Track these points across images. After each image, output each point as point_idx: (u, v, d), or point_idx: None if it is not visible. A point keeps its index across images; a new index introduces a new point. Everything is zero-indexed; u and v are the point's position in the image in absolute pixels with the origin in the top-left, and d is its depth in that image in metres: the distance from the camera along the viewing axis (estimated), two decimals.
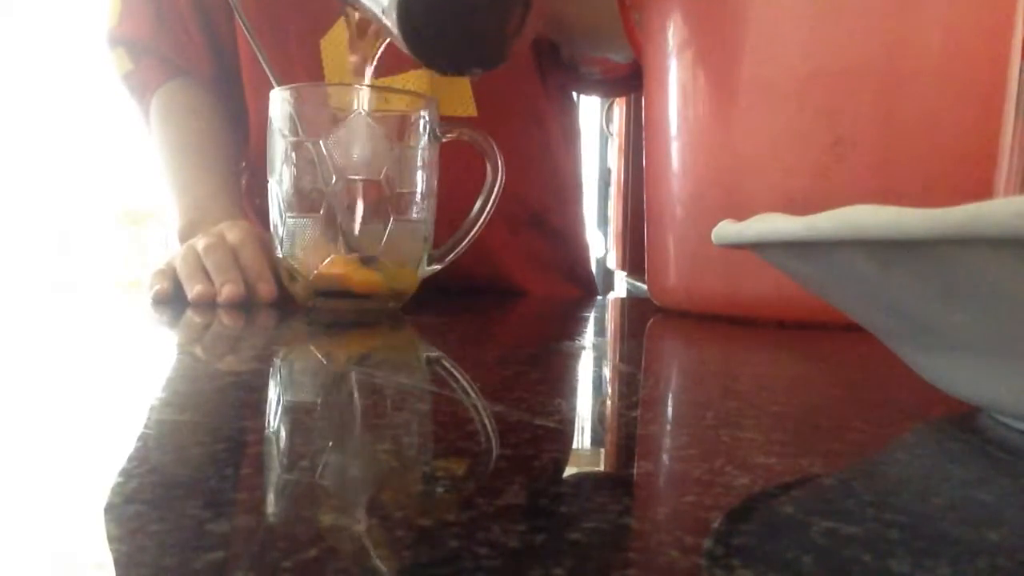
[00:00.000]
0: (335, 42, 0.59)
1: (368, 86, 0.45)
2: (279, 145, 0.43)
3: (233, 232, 0.51)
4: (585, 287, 0.74)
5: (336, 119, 0.42)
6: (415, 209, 0.44)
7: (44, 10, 2.72)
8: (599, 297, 0.70)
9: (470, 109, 0.62)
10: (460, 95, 0.62)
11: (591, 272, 0.76)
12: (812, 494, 0.13)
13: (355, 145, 0.42)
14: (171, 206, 0.62)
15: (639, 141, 0.57)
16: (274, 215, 0.44)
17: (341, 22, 0.60)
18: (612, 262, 2.07)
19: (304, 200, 0.43)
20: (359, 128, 0.42)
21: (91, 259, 2.88)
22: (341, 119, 0.42)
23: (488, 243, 0.61)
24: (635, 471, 0.14)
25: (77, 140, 2.76)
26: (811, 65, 0.39)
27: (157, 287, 0.48)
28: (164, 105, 0.65)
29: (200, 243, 0.50)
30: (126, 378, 0.23)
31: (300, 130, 0.42)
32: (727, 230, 0.18)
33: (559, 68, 0.71)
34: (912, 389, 0.22)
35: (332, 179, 0.42)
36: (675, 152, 0.46)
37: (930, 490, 0.13)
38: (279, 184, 0.43)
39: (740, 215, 0.19)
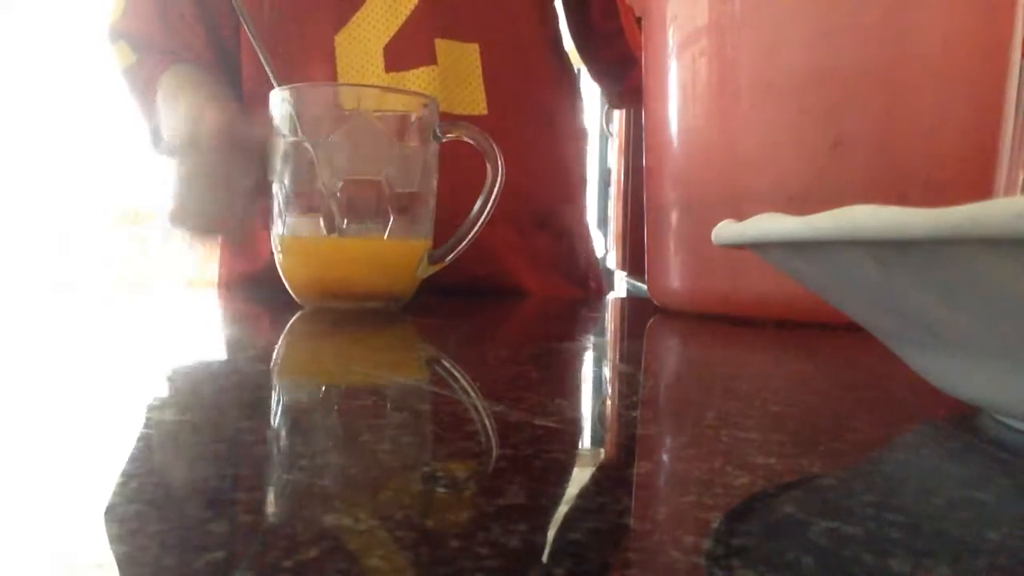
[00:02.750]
0: (350, 38, 0.59)
1: (368, 86, 0.45)
2: (279, 146, 0.43)
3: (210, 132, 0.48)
4: (591, 288, 0.73)
5: (336, 119, 0.42)
6: (415, 209, 0.44)
7: (45, 8, 2.72)
8: (602, 297, 0.70)
9: (481, 108, 0.62)
10: (471, 93, 0.62)
11: (598, 273, 0.76)
12: (812, 494, 0.13)
13: (354, 145, 0.42)
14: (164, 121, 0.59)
15: (639, 141, 0.57)
16: (275, 215, 0.44)
17: (357, 18, 0.59)
18: (612, 262, 2.07)
19: (304, 201, 0.43)
20: (359, 128, 0.42)
21: (91, 259, 2.88)
22: (341, 119, 0.42)
23: (494, 244, 0.61)
24: (635, 471, 0.14)
25: (77, 140, 2.76)
26: (811, 65, 0.39)
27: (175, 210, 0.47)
28: (173, 77, 0.63)
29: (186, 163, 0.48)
30: (126, 378, 0.23)
31: (299, 131, 0.42)
32: (727, 230, 0.18)
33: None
34: (912, 389, 0.22)
35: (332, 179, 0.42)
36: (675, 152, 0.46)
37: (930, 490, 0.13)
38: (279, 185, 0.43)
39: (740, 215, 0.19)
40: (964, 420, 0.18)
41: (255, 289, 0.63)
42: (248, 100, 0.63)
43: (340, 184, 0.42)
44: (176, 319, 0.41)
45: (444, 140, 0.46)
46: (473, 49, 0.62)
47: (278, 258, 0.45)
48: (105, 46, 0.65)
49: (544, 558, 0.10)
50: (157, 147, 0.69)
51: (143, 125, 0.68)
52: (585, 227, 0.75)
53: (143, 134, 0.70)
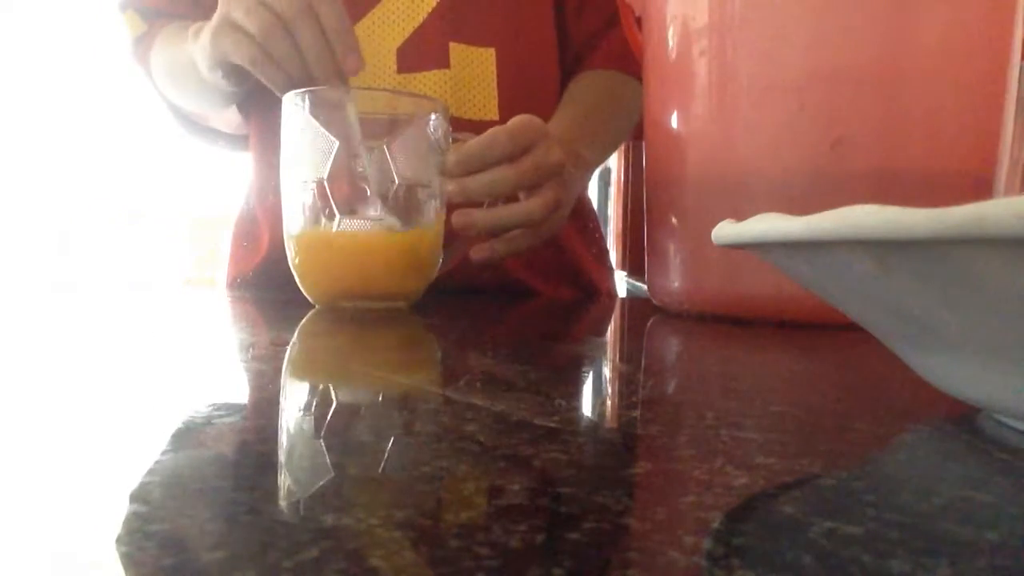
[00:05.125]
0: (364, 34, 0.58)
1: (381, 89, 0.45)
2: (290, 149, 0.43)
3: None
4: (599, 290, 0.72)
5: (351, 123, 0.42)
6: (426, 210, 0.44)
7: (45, 8, 2.72)
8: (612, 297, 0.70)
9: (492, 113, 0.61)
10: (484, 98, 0.61)
11: (606, 273, 0.75)
12: (812, 494, 0.13)
13: (367, 148, 0.42)
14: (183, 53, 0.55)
15: (639, 141, 0.57)
16: (287, 222, 0.44)
17: (373, 15, 0.59)
18: (612, 262, 2.07)
19: (316, 205, 0.42)
20: (373, 131, 0.42)
21: (91, 259, 2.88)
22: (355, 123, 0.42)
23: None
24: (635, 471, 0.14)
25: (77, 139, 2.76)
26: (811, 65, 0.39)
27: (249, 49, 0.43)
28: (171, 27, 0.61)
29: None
30: (125, 377, 0.23)
31: (314, 134, 0.42)
32: (727, 230, 0.18)
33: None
34: (912, 389, 0.22)
35: (384, 183, 0.42)
36: (675, 152, 0.46)
37: (930, 490, 0.13)
38: (291, 191, 0.43)
39: (740, 215, 0.19)
40: (964, 420, 0.18)
41: (259, 288, 0.63)
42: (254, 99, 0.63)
43: (393, 187, 0.42)
44: (176, 318, 0.41)
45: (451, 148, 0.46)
46: (489, 54, 0.61)
47: (292, 258, 0.45)
48: (115, 17, 0.64)
49: (544, 558, 0.10)
50: (180, 119, 0.68)
51: (158, 103, 0.67)
52: (591, 226, 0.74)
53: (164, 114, 0.68)
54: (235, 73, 0.49)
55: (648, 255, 0.51)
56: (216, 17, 0.46)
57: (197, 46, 0.50)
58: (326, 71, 0.44)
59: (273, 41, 0.44)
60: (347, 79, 0.45)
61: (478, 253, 0.49)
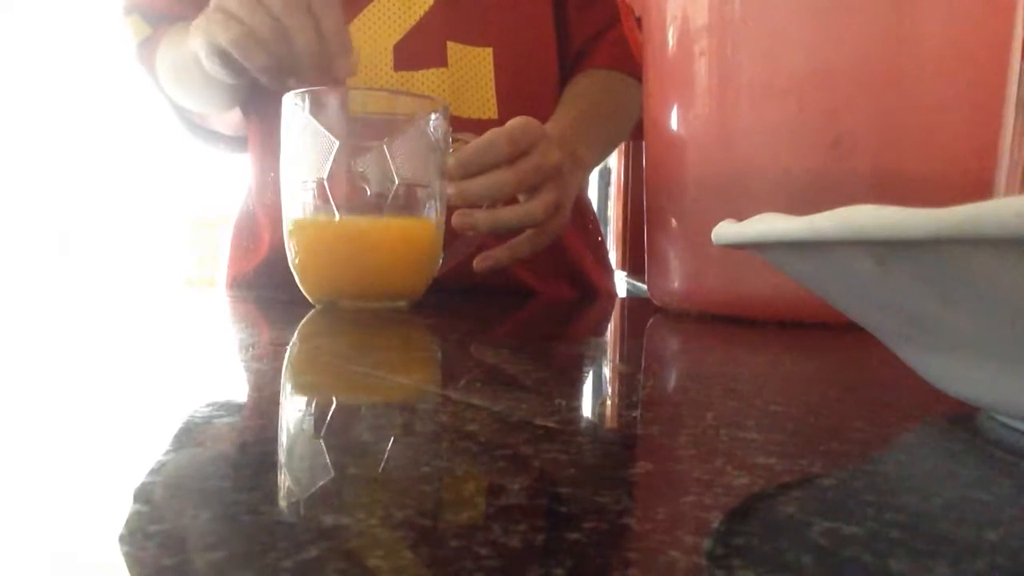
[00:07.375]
0: (361, 31, 0.58)
1: (381, 89, 0.45)
2: (290, 149, 0.43)
3: None
4: (598, 289, 0.72)
5: (351, 122, 0.42)
6: (426, 210, 0.44)
7: (45, 8, 2.72)
8: (612, 297, 0.70)
9: (491, 112, 0.61)
10: (482, 97, 0.61)
11: (605, 272, 0.75)
12: (812, 494, 0.13)
13: (369, 148, 0.42)
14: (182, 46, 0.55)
15: (639, 141, 0.57)
16: (287, 222, 0.44)
17: (368, 11, 0.59)
18: (612, 262, 2.06)
19: (318, 203, 0.42)
20: (372, 131, 0.42)
21: (92, 259, 2.87)
22: (356, 122, 0.42)
23: (498, 246, 0.60)
24: (635, 471, 0.14)
25: (77, 139, 2.76)
26: (811, 64, 0.39)
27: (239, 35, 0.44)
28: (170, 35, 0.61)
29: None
30: (125, 377, 0.23)
31: (315, 133, 0.42)
32: (727, 230, 0.18)
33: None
34: (912, 389, 0.22)
35: (384, 182, 0.42)
36: (675, 152, 0.46)
37: (930, 490, 0.13)
38: (291, 191, 0.43)
39: (740, 215, 0.19)
40: (964, 420, 0.18)
41: (259, 288, 0.63)
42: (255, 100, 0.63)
43: (393, 187, 0.42)
44: (176, 318, 0.41)
45: (451, 150, 0.46)
46: (487, 53, 0.61)
47: (292, 258, 0.44)
48: (120, 20, 0.64)
49: (544, 558, 0.10)
50: (183, 121, 0.68)
51: (162, 105, 0.67)
52: (591, 226, 0.74)
53: (167, 116, 0.68)
54: (231, 60, 0.49)
55: (648, 255, 0.51)
56: (210, 5, 0.47)
57: (194, 35, 0.51)
58: (312, 59, 0.44)
59: (261, 25, 0.44)
60: (339, 80, 0.45)
61: (482, 263, 0.49)
